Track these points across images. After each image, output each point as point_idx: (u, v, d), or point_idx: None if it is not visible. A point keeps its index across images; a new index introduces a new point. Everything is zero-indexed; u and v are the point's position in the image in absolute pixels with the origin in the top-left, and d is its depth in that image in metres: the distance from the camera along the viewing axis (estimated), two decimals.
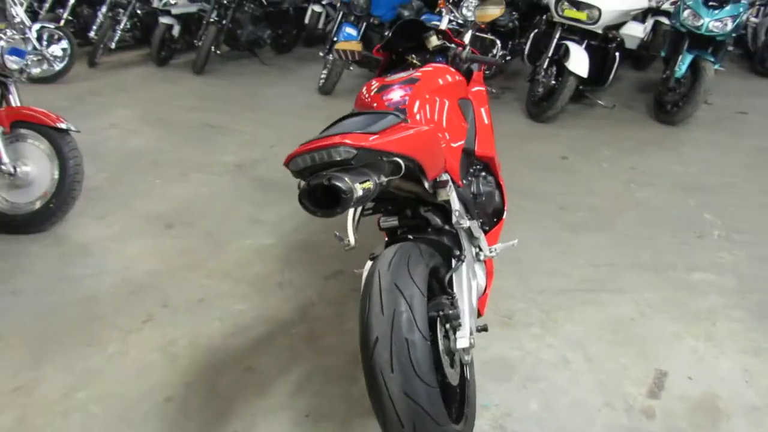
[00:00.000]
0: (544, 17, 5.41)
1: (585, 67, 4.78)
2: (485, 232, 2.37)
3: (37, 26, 6.51)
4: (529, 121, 5.20)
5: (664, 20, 5.85)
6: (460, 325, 1.78)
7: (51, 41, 6.67)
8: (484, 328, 1.98)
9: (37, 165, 3.28)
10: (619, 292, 2.74)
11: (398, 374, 1.52)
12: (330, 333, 2.48)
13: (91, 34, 7.37)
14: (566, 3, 4.87)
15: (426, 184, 1.81)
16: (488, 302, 2.62)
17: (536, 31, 5.43)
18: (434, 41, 2.58)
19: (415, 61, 2.63)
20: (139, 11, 7.58)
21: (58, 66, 6.61)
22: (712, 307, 2.60)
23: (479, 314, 2.18)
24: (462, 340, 1.76)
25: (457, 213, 1.86)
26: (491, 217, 2.44)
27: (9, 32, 3.29)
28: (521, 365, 2.29)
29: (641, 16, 5.78)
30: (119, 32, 7.41)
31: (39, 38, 6.57)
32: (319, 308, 2.64)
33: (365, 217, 2.14)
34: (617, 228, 3.34)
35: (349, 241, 1.97)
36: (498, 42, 5.61)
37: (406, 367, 1.52)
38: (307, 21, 8.11)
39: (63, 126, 3.23)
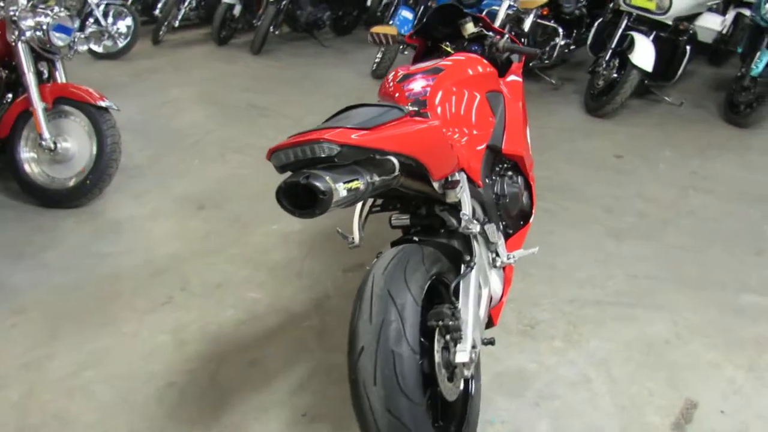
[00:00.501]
0: (611, 5, 5.08)
1: (650, 61, 4.46)
2: (508, 236, 2.23)
3: (103, 3, 6.71)
4: (586, 116, 4.92)
5: (747, 12, 5.38)
6: (461, 337, 1.66)
7: (116, 18, 6.85)
8: (491, 342, 1.84)
9: (77, 141, 3.34)
10: (657, 309, 2.52)
11: (381, 388, 1.42)
12: (341, 328, 2.39)
13: (156, 11, 7.54)
14: None
15: (435, 184, 1.69)
16: (512, 309, 2.49)
17: (601, 20, 5.12)
18: (470, 28, 2.43)
19: (448, 49, 2.49)
20: None
21: (121, 43, 6.80)
22: (761, 336, 2.35)
23: (492, 324, 2.04)
24: (461, 354, 1.64)
25: (466, 217, 1.73)
26: (516, 219, 2.29)
27: (56, 9, 3.34)
28: (537, 380, 2.14)
29: (721, 7, 5.34)
30: (183, 11, 7.55)
31: (105, 15, 6.78)
32: (334, 301, 2.57)
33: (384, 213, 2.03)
34: (666, 238, 3.09)
35: (353, 238, 1.87)
36: (560, 30, 5.33)
37: (390, 381, 1.42)
38: (369, 3, 8.00)
39: (103, 104, 3.27)
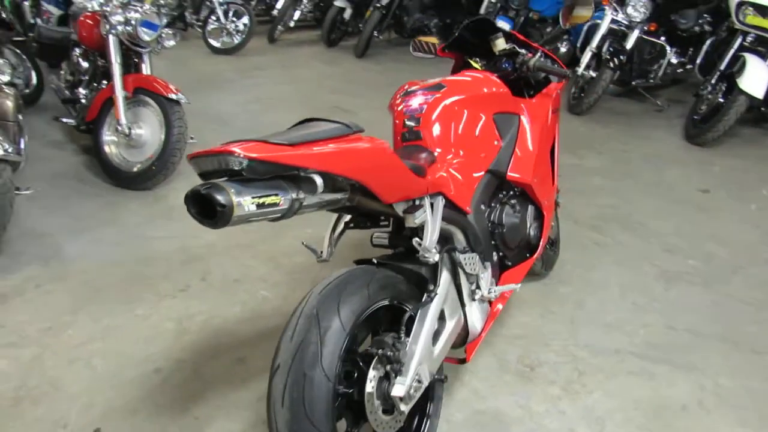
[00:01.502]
0: (726, 23, 4.58)
1: (762, 87, 3.97)
2: (506, 268, 2.08)
3: (225, 2, 7.18)
4: (683, 143, 4.48)
5: None
6: (401, 369, 1.58)
7: (236, 16, 7.30)
8: (442, 379, 1.73)
9: (149, 129, 3.60)
10: (687, 369, 2.23)
11: (287, 410, 1.39)
12: None
13: (275, 11, 7.94)
14: (750, 8, 4.06)
15: (396, 207, 1.62)
16: (518, 346, 2.33)
17: (714, 38, 4.63)
18: (500, 44, 2.30)
19: (476, 65, 2.38)
20: None
21: (237, 40, 7.24)
22: None
23: (465, 360, 1.92)
24: (398, 387, 1.56)
25: (419, 243, 1.64)
26: (519, 251, 2.13)
27: (146, 6, 3.62)
28: (516, 427, 1.98)
29: None
30: (300, 11, 7.87)
31: (225, 13, 7.25)
32: None
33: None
34: (729, 288, 2.73)
35: (322, 252, 1.84)
36: (668, 48, 4.90)
37: (297, 404, 1.38)
38: (482, 11, 7.86)
39: (174, 97, 3.50)
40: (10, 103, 3.12)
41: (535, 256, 2.15)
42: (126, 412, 2.02)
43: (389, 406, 1.59)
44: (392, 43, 7.72)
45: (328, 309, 1.48)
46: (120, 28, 3.54)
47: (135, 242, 3.08)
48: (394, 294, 1.65)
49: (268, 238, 3.12)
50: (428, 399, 1.79)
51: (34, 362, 2.24)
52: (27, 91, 4.89)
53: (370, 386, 1.56)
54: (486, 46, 2.39)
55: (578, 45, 5.26)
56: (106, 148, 3.67)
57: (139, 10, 3.58)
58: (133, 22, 3.54)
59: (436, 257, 1.68)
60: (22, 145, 3.19)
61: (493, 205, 2.04)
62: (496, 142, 2.04)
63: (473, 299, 1.89)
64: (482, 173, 1.98)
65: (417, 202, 1.67)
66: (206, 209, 1.26)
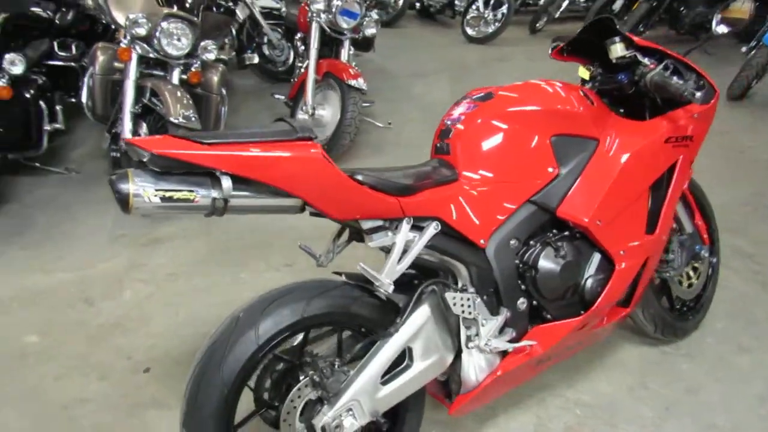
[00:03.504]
0: None
1: None
2: (542, 321, 1.73)
3: None
4: None
5: None
6: (330, 399, 1.46)
7: (496, 5, 7.22)
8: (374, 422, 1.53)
9: (331, 111, 3.85)
10: None
11: (185, 404, 1.44)
12: None
13: (541, 1, 7.61)
14: None
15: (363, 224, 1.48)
16: (574, 412, 1.93)
17: None
18: (617, 51, 1.86)
19: (584, 76, 1.97)
20: None
21: (491, 29, 7.16)
22: None
23: (448, 411, 1.67)
24: (319, 416, 1.46)
25: (369, 273, 1.47)
26: (568, 304, 1.74)
27: None
28: None
29: None
30: (567, 1, 7.41)
31: (486, 2, 7.23)
32: None
33: None
34: None
35: (320, 256, 1.77)
36: None
37: (192, 401, 1.43)
38: None
39: (353, 83, 3.67)
40: (215, 78, 3.64)
41: (586, 313, 1.72)
42: (176, 362, 2.26)
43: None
44: (664, 39, 6.74)
45: (252, 315, 1.45)
46: (323, 15, 3.83)
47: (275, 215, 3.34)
48: (349, 317, 1.52)
49: None
50: None
51: (146, 299, 2.65)
52: (282, 69, 5.57)
53: (290, 405, 1.48)
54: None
55: None
56: None
57: None
58: (333, 10, 3.79)
59: (390, 289, 1.48)
60: (223, 115, 3.72)
61: (531, 243, 1.69)
62: (550, 170, 1.67)
63: (466, 347, 1.62)
64: (520, 204, 1.65)
65: (394, 224, 1.50)
66: None
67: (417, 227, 1.54)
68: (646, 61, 1.83)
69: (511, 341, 1.68)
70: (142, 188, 1.25)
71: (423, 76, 5.84)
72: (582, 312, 1.74)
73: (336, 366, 1.50)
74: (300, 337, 1.54)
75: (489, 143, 1.66)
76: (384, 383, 1.52)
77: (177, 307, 2.58)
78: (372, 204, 1.45)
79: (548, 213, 1.69)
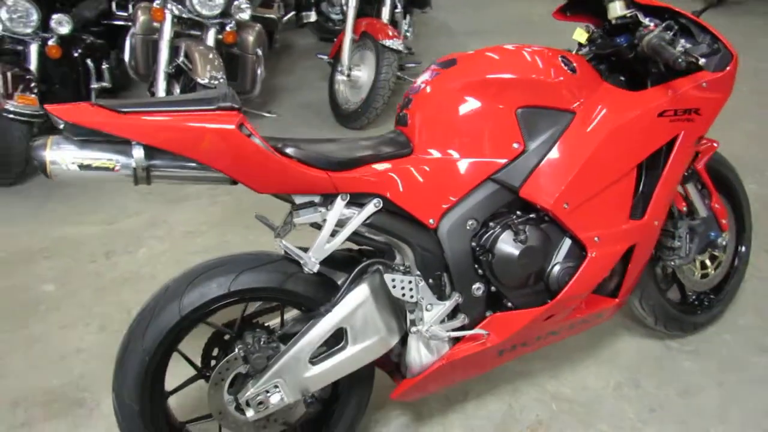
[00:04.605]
0: None
1: None
2: (504, 309, 1.61)
3: None
4: None
5: None
6: (257, 373, 1.45)
7: None
8: (310, 402, 1.49)
9: (368, 72, 3.74)
10: None
11: (114, 369, 1.46)
12: None
13: None
14: None
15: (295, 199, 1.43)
16: (549, 406, 1.81)
17: None
18: (616, 10, 1.66)
19: (580, 39, 1.76)
20: None
21: None
22: None
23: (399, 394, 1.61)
24: (244, 390, 1.45)
25: (300, 256, 1.41)
26: (532, 292, 1.60)
27: None
28: None
29: None
30: None
31: None
32: None
33: None
34: None
35: (278, 227, 1.72)
36: None
37: (119, 364, 1.46)
38: None
39: (387, 43, 3.53)
40: (251, 38, 3.64)
41: (550, 303, 1.57)
42: None
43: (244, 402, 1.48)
44: None
45: (179, 287, 1.45)
46: None
47: None
48: (283, 293, 1.48)
49: None
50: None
51: (161, 255, 2.74)
52: (339, 27, 5.49)
53: (218, 377, 1.48)
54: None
55: None
56: (336, 86, 3.97)
57: None
58: None
59: (315, 268, 1.42)
60: (259, 75, 3.72)
61: (491, 225, 1.55)
62: (515, 145, 1.51)
63: (412, 332, 1.53)
64: (479, 182, 1.51)
65: (329, 200, 1.43)
66: None
67: (359, 204, 1.46)
68: (647, 21, 1.60)
69: (463, 328, 1.57)
70: (60, 156, 1.25)
71: (483, 33, 5.56)
72: (548, 301, 1.59)
73: (262, 342, 1.47)
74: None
75: (446, 115, 1.53)
76: (315, 363, 1.48)
77: (186, 265, 2.63)
78: (298, 179, 1.38)
79: (512, 193, 1.54)
